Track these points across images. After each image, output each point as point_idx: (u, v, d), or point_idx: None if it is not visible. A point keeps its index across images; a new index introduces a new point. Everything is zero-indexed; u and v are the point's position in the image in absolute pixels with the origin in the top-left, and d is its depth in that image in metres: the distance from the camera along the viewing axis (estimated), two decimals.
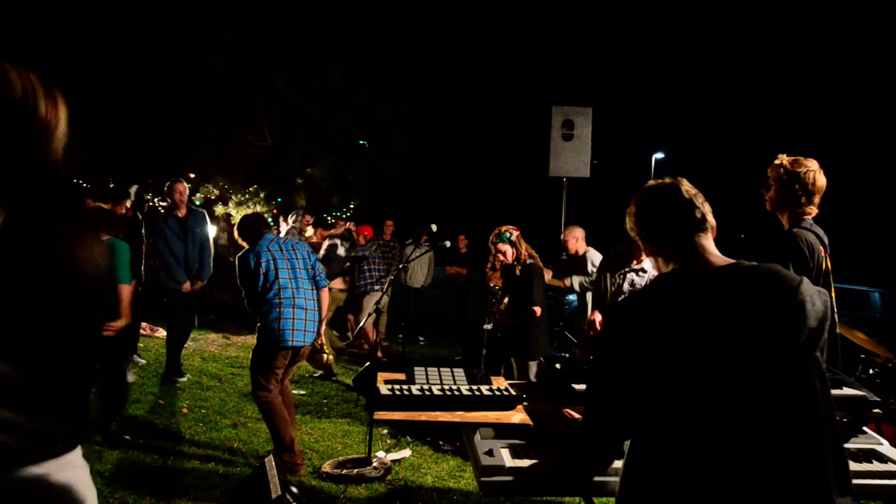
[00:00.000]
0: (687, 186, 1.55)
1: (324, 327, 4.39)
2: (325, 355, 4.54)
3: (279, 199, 14.07)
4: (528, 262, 4.58)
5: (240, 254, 4.14)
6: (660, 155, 27.28)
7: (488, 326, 4.30)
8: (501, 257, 4.66)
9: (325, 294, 4.35)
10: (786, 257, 2.58)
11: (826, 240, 2.75)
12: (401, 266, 5.67)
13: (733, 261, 1.46)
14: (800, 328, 1.33)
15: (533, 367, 4.55)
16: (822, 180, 2.75)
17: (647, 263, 3.97)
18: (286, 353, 4.00)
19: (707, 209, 1.54)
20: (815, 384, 1.35)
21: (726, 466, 1.32)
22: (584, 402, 1.58)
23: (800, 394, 1.34)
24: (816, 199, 2.76)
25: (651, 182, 1.61)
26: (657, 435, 1.39)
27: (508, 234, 4.60)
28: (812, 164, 2.74)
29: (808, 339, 1.33)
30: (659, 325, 1.40)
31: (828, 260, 2.73)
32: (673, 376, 1.37)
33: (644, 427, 1.43)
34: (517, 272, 4.58)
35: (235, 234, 4.34)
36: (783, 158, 2.78)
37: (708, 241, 1.52)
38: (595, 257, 5.57)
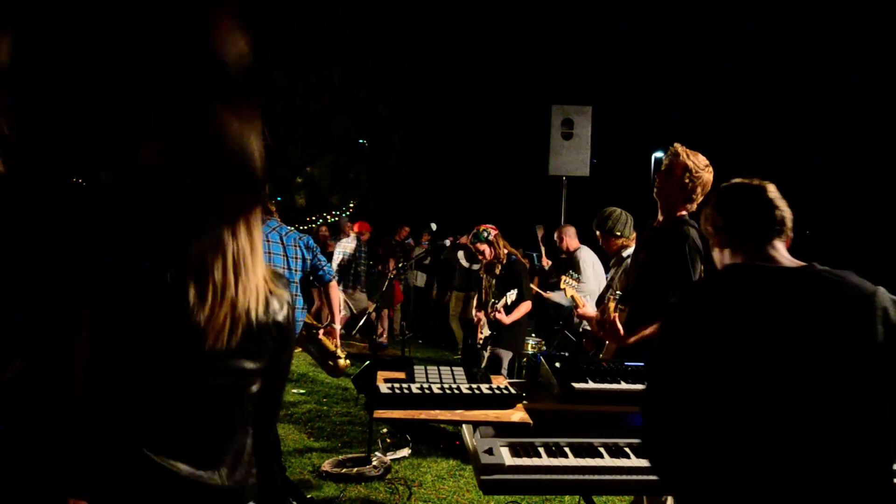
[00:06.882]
0: (772, 189, 1.56)
1: (338, 326, 4.04)
2: (340, 360, 4.01)
3: (279, 198, 14.07)
4: (507, 260, 4.67)
5: None
6: (659, 154, 27.29)
7: (484, 333, 4.36)
8: (480, 256, 4.77)
9: (333, 290, 3.96)
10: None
11: None
12: (401, 265, 5.68)
13: (805, 263, 1.43)
14: (869, 340, 1.29)
15: (505, 358, 4.65)
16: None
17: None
18: None
19: (788, 216, 1.53)
20: (883, 403, 1.29)
21: (783, 477, 1.29)
22: (643, 413, 1.49)
23: (867, 410, 1.29)
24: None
25: (737, 179, 1.62)
26: (723, 435, 1.34)
27: (486, 234, 4.67)
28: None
29: (877, 351, 1.29)
30: (730, 323, 1.36)
31: None
32: (740, 379, 1.33)
33: (708, 430, 1.37)
34: (497, 271, 4.67)
35: None
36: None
37: (782, 246, 1.51)
38: (586, 256, 5.52)
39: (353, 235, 8.22)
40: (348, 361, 4.09)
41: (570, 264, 5.57)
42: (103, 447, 1.04)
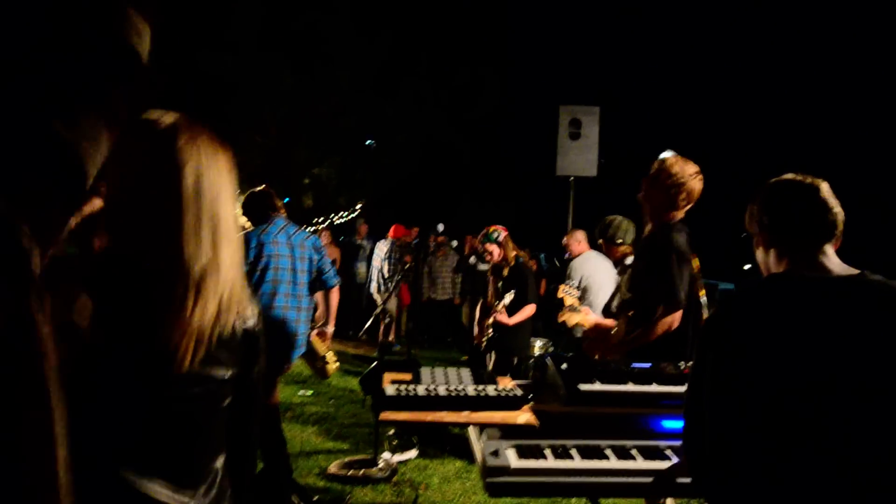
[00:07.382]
0: (825, 187, 1.46)
1: (330, 330, 3.99)
2: (329, 364, 3.98)
3: (286, 199, 14.10)
4: (515, 262, 4.66)
5: (243, 232, 3.48)
6: (667, 154, 27.12)
7: (489, 332, 4.36)
8: (488, 257, 4.76)
9: (333, 295, 3.87)
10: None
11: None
12: (407, 266, 5.68)
13: (857, 271, 1.38)
14: None
15: (511, 360, 4.67)
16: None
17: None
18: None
19: (841, 217, 1.45)
20: None
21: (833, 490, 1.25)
22: (684, 425, 1.44)
23: None
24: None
25: (789, 175, 1.52)
26: (770, 452, 1.30)
27: (496, 235, 4.66)
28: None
29: None
30: (778, 336, 1.31)
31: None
32: (789, 393, 1.28)
33: (753, 445, 1.32)
34: (505, 272, 4.66)
35: (239, 212, 3.68)
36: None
37: (832, 250, 1.44)
38: (582, 264, 5.09)
39: (388, 239, 8.29)
40: (337, 364, 4.06)
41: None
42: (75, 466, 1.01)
